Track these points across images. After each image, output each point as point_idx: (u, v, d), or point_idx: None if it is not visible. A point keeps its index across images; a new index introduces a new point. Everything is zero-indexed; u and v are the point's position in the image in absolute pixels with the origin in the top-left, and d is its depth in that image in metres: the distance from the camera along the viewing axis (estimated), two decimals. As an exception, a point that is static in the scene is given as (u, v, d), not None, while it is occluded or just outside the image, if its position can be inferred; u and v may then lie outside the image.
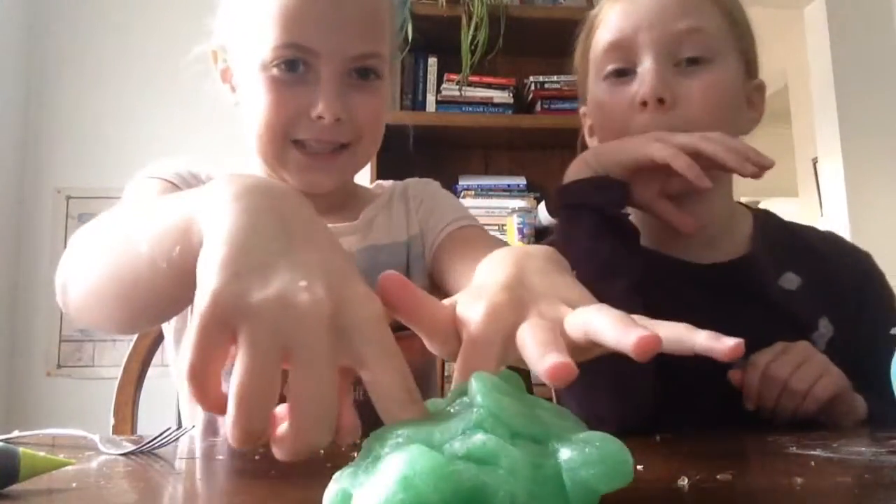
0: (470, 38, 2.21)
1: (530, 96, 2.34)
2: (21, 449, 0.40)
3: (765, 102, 0.86)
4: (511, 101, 2.32)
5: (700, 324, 0.36)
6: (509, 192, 2.31)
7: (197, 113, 1.93)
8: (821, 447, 0.52)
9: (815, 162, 3.70)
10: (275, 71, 0.72)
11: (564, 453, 0.30)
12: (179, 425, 0.93)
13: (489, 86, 2.31)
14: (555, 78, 2.29)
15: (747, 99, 0.84)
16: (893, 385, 0.53)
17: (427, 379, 0.88)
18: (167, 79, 2.27)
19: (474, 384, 0.32)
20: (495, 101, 2.30)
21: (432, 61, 2.32)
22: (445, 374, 1.20)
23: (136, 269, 0.43)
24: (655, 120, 0.76)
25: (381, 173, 1.96)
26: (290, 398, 0.31)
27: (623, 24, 0.80)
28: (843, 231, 3.00)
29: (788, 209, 4.92)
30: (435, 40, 2.04)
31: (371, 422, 0.33)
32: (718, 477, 0.41)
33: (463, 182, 2.31)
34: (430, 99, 2.30)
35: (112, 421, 0.96)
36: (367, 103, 0.75)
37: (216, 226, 0.36)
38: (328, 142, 0.75)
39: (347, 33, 0.72)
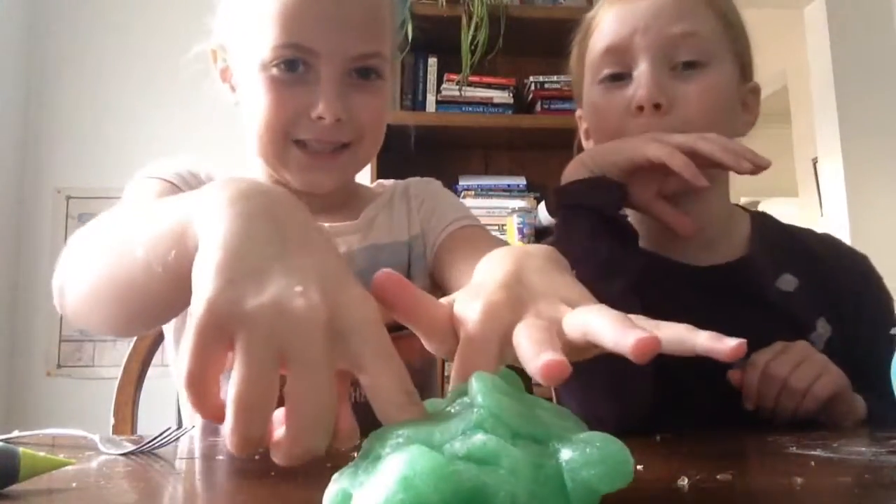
0: (470, 38, 2.21)
1: (530, 96, 2.34)
2: (21, 449, 0.40)
3: (760, 105, 0.87)
4: (511, 101, 2.32)
5: (698, 326, 0.36)
6: (509, 192, 2.31)
7: (197, 113, 1.94)
8: (821, 447, 0.52)
9: (815, 162, 3.70)
10: (274, 71, 0.72)
11: (565, 453, 0.30)
12: (179, 425, 0.93)
13: (489, 86, 2.31)
14: (555, 78, 2.29)
15: (742, 102, 0.85)
16: (894, 385, 0.53)
17: (427, 378, 0.88)
18: (167, 79, 2.27)
19: (474, 384, 0.31)
20: (495, 101, 2.31)
21: (432, 61, 2.32)
22: (445, 373, 1.20)
23: (132, 272, 0.43)
24: (652, 124, 0.77)
25: (381, 173, 1.96)
26: (287, 403, 0.31)
27: (619, 29, 0.80)
28: (843, 231, 3.00)
29: (788, 209, 4.93)
30: (435, 40, 2.04)
31: (370, 423, 0.33)
32: (718, 477, 0.41)
33: (463, 182, 2.31)
34: (430, 99, 2.30)
35: (112, 421, 0.96)
36: (368, 103, 0.75)
37: (211, 230, 0.36)
38: (329, 142, 0.75)
39: (348, 33, 0.72)
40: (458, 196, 2.21)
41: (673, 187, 0.76)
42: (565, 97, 2.26)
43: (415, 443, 0.29)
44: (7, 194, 2.35)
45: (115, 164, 2.26)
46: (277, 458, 0.31)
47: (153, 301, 0.45)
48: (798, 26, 3.39)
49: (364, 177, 1.20)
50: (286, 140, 0.74)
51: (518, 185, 2.32)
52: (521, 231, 2.22)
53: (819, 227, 3.51)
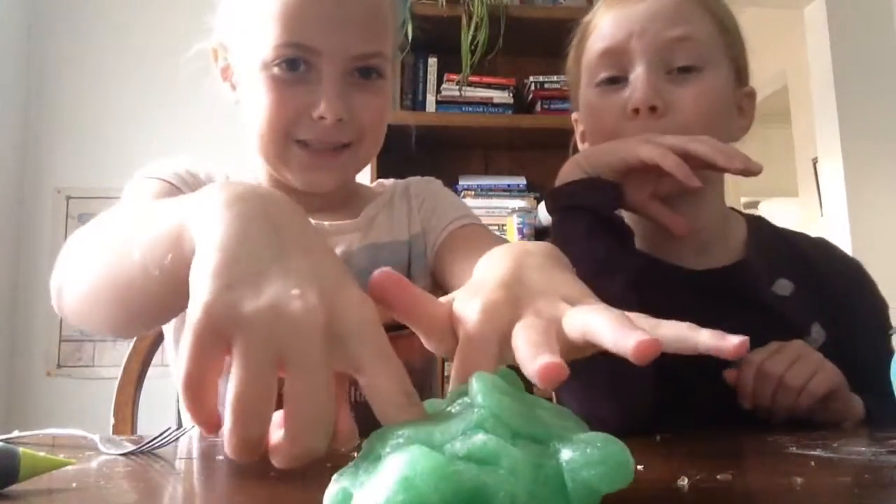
0: (470, 38, 2.21)
1: (530, 96, 2.34)
2: (21, 449, 0.40)
3: (755, 109, 0.87)
4: (511, 101, 2.32)
5: None
6: (509, 192, 2.31)
7: (197, 113, 1.93)
8: (821, 447, 0.52)
9: (815, 162, 3.70)
10: (276, 70, 0.72)
11: (565, 454, 0.30)
12: (179, 425, 0.93)
13: (489, 86, 2.31)
14: (555, 78, 2.29)
15: (738, 106, 0.85)
16: (894, 385, 0.53)
17: (427, 378, 0.88)
18: (167, 79, 2.27)
19: (475, 384, 0.31)
20: (495, 101, 2.31)
21: (432, 61, 2.32)
22: (445, 374, 1.20)
23: (129, 275, 0.43)
24: (647, 127, 0.77)
25: (381, 173, 1.96)
26: (286, 405, 0.31)
27: (615, 32, 0.81)
28: (843, 231, 3.00)
29: (788, 209, 4.93)
30: (435, 40, 2.05)
31: (370, 423, 0.33)
32: (718, 477, 0.41)
33: (463, 182, 2.31)
34: (430, 99, 2.30)
35: (112, 421, 0.96)
36: (370, 103, 0.75)
37: (208, 234, 0.35)
38: (330, 142, 0.75)
39: (349, 32, 0.72)
40: (458, 196, 2.21)
41: (667, 188, 0.76)
42: (565, 97, 2.24)
43: (415, 443, 0.29)
44: (7, 194, 2.35)
45: (115, 164, 2.26)
46: (276, 461, 0.31)
47: (151, 303, 0.45)
48: (798, 26, 3.39)
49: (364, 177, 1.20)
50: (287, 139, 0.74)
51: (518, 185, 2.32)
52: (521, 231, 2.22)
53: (819, 227, 3.51)
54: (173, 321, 0.82)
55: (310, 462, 0.31)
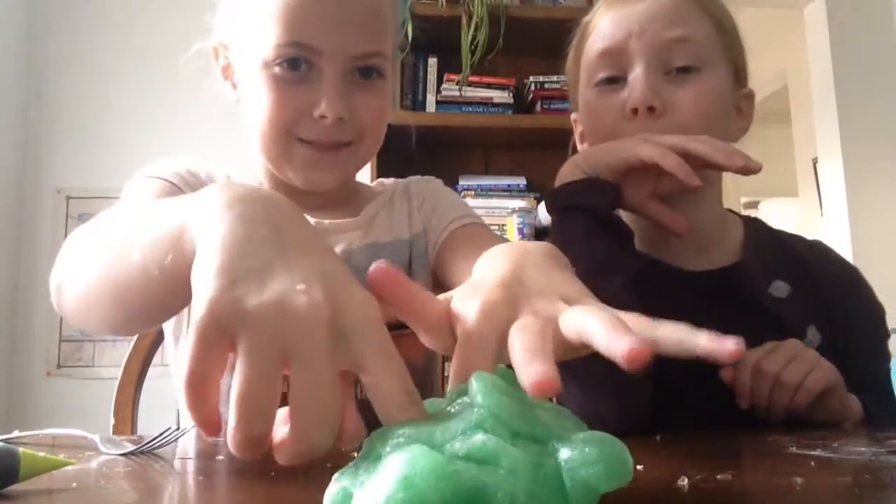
0: (470, 38, 2.21)
1: (530, 96, 2.34)
2: (21, 449, 0.40)
3: (754, 111, 0.87)
4: (511, 101, 2.32)
5: None
6: (509, 192, 2.31)
7: (197, 112, 1.94)
8: (821, 447, 0.52)
9: (815, 162, 3.70)
10: (277, 69, 0.72)
11: (564, 453, 0.30)
12: (179, 426, 0.93)
13: (489, 86, 2.31)
14: (555, 78, 2.29)
15: (737, 107, 0.85)
16: None
17: (428, 378, 0.88)
18: (167, 79, 2.27)
19: (474, 384, 0.32)
20: (495, 101, 2.31)
21: (432, 61, 2.32)
22: (445, 374, 1.20)
23: (129, 274, 0.44)
24: (646, 127, 0.77)
25: (381, 174, 1.95)
26: (291, 400, 0.31)
27: (614, 32, 0.81)
28: (843, 231, 3.00)
29: (788, 209, 4.93)
30: (435, 40, 2.04)
31: (374, 420, 0.33)
32: (718, 477, 0.41)
33: (463, 182, 2.31)
34: (430, 99, 2.30)
35: (112, 421, 0.96)
36: (370, 103, 0.75)
37: (210, 234, 0.35)
38: (330, 141, 0.75)
39: (350, 32, 0.72)
40: (459, 196, 2.21)
41: (666, 188, 0.76)
42: (565, 97, 2.24)
43: (415, 442, 0.29)
44: (7, 194, 2.36)
45: (115, 164, 2.26)
46: (281, 458, 0.31)
47: (151, 302, 0.45)
48: (798, 26, 3.39)
49: (364, 177, 1.20)
50: (289, 137, 0.74)
51: (518, 185, 2.32)
52: (521, 231, 2.22)
53: (819, 227, 3.51)
54: (173, 321, 0.82)
55: (312, 460, 0.31)
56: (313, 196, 0.80)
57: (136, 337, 0.99)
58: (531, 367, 0.32)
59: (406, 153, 2.10)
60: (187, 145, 1.98)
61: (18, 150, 2.41)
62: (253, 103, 0.75)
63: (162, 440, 0.57)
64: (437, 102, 2.30)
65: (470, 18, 2.21)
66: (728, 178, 0.87)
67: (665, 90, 0.78)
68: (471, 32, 2.21)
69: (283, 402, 0.31)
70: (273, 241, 0.35)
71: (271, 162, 0.78)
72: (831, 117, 3.13)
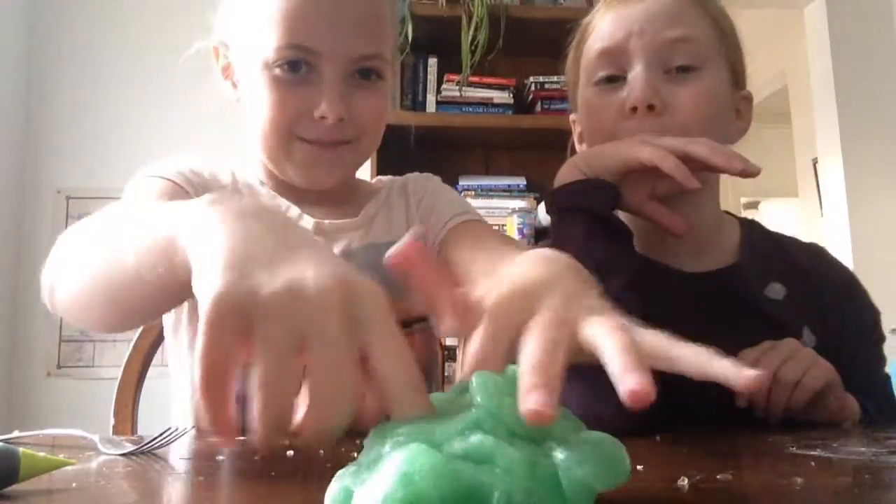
0: (470, 38, 2.21)
1: (530, 96, 2.34)
2: (21, 449, 0.40)
3: (752, 113, 0.88)
4: (511, 101, 2.32)
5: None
6: (509, 192, 2.31)
7: (197, 113, 1.93)
8: (821, 447, 0.52)
9: (815, 162, 3.70)
10: (277, 71, 0.73)
11: (561, 452, 0.30)
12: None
13: (489, 86, 2.31)
14: (555, 78, 2.28)
15: (735, 109, 0.85)
16: None
17: (429, 376, 0.88)
18: (167, 79, 2.27)
19: (475, 384, 0.32)
20: (495, 101, 2.30)
21: (432, 61, 2.32)
22: (445, 374, 1.20)
23: (123, 276, 0.44)
24: (645, 126, 0.77)
25: (381, 173, 1.96)
26: (310, 382, 0.30)
27: (614, 32, 0.81)
28: (843, 231, 3.00)
29: (788, 209, 4.93)
30: (435, 40, 2.05)
31: None
32: (718, 477, 0.41)
33: (463, 182, 2.31)
34: (431, 99, 2.30)
35: (112, 421, 0.96)
36: (370, 103, 0.76)
37: (211, 243, 0.35)
38: (330, 141, 0.75)
39: (350, 34, 0.72)
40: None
41: (665, 189, 0.76)
42: (565, 97, 2.23)
43: (415, 441, 0.29)
44: (7, 194, 2.36)
45: (115, 164, 2.26)
46: (301, 439, 0.31)
47: (143, 305, 0.47)
48: (798, 26, 3.39)
49: (364, 177, 1.20)
50: (290, 136, 0.75)
51: (518, 186, 2.32)
52: (521, 231, 2.22)
53: (819, 227, 3.49)
54: (173, 321, 0.82)
55: (314, 454, 0.31)
56: (313, 194, 0.80)
57: (136, 337, 0.99)
58: (531, 394, 0.31)
59: (406, 154, 2.10)
60: (187, 145, 1.98)
61: (18, 150, 2.41)
62: (253, 103, 0.75)
63: (162, 440, 0.57)
64: (438, 103, 2.30)
65: (470, 18, 2.21)
66: (727, 179, 0.87)
67: (665, 89, 0.78)
68: (471, 32, 2.21)
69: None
70: (277, 240, 0.36)
71: (271, 160, 0.78)
72: (831, 117, 3.13)
